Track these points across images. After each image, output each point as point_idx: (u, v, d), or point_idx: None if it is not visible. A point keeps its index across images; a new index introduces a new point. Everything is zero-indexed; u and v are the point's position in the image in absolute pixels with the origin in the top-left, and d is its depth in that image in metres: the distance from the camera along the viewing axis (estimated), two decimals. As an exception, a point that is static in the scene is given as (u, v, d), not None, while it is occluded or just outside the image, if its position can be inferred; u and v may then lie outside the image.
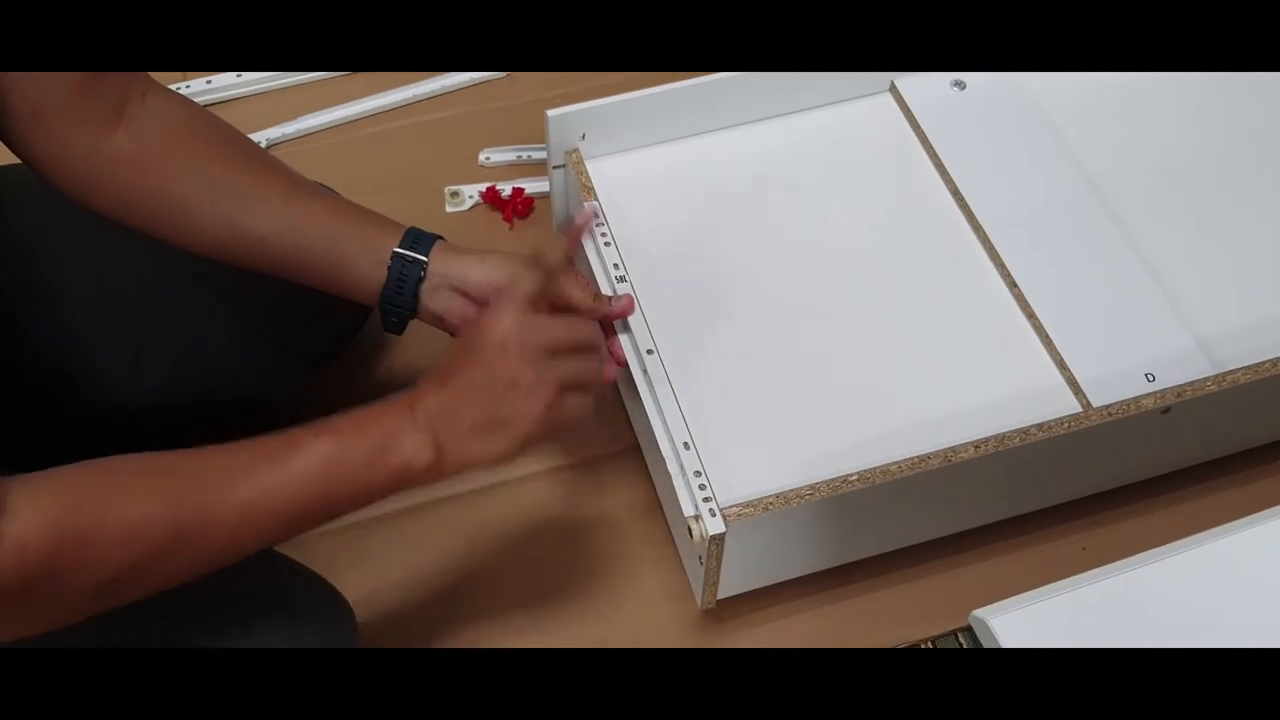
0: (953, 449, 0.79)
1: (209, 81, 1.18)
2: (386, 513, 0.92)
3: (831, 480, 0.77)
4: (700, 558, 0.79)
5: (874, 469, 0.78)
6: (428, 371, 0.69)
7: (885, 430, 0.81)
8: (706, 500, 0.76)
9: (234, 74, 1.19)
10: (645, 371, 0.82)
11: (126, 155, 0.71)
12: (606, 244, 0.88)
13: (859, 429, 0.81)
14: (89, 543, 0.57)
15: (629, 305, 0.83)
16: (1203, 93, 1.00)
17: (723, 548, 0.77)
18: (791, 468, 0.79)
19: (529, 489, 0.95)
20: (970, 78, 0.98)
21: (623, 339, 0.84)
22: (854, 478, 0.77)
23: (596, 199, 0.91)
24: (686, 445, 0.79)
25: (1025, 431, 0.80)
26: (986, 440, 0.79)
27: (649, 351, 0.83)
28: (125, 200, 0.72)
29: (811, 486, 0.77)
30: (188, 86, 1.17)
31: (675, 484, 0.78)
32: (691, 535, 0.76)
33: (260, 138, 1.15)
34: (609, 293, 0.85)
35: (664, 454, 0.79)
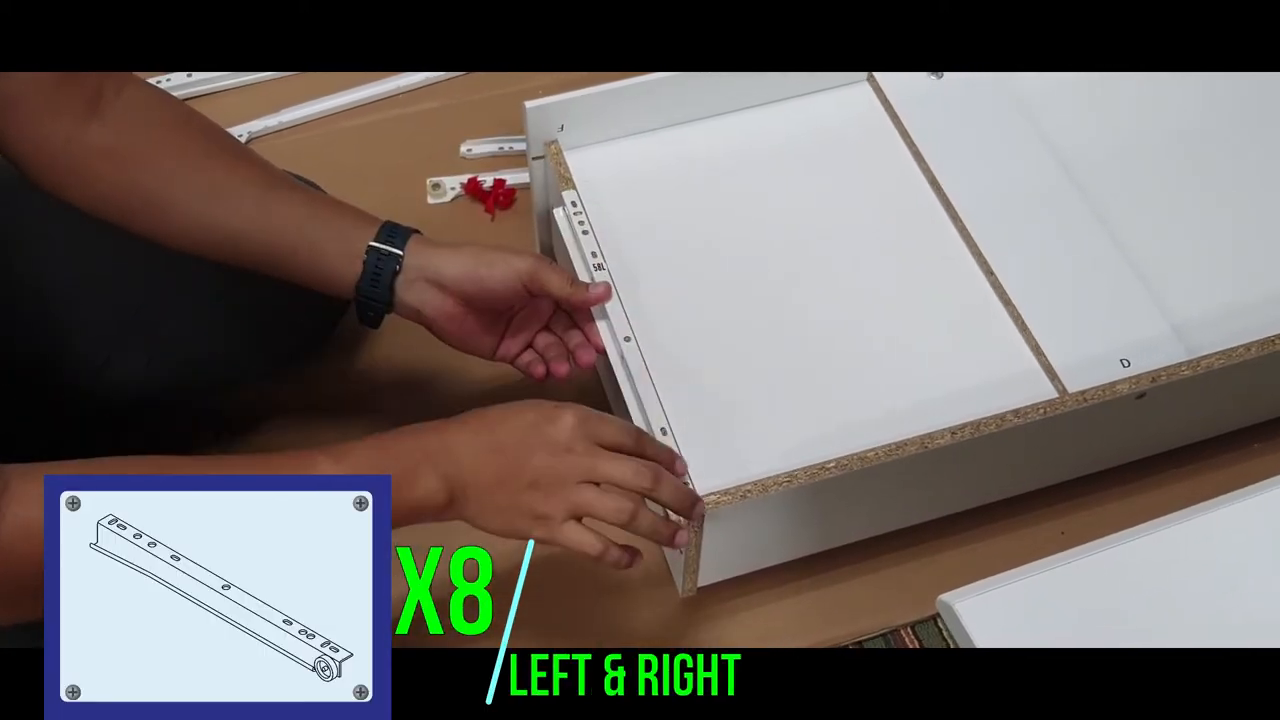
0: (929, 435, 0.79)
1: (189, 75, 1.18)
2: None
3: (809, 467, 0.78)
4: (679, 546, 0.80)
5: (851, 456, 0.78)
6: (466, 414, 0.69)
7: (862, 417, 0.81)
8: (684, 488, 0.76)
9: (215, 67, 1.19)
10: (623, 359, 0.82)
11: (102, 148, 0.71)
12: (585, 232, 0.88)
13: (836, 416, 0.82)
14: None
15: (606, 292, 0.83)
16: (1178, 80, 1.01)
17: (701, 536, 0.78)
18: (769, 455, 0.79)
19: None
20: (948, 66, 0.99)
21: (601, 326, 0.84)
22: (831, 465, 0.78)
23: (575, 189, 0.91)
24: (664, 432, 0.79)
25: (1001, 417, 0.80)
26: (963, 426, 0.79)
27: (626, 339, 0.83)
28: (101, 194, 0.72)
29: (789, 474, 0.77)
30: (168, 80, 1.17)
31: (653, 472, 0.78)
32: (669, 523, 0.76)
33: (241, 131, 1.15)
34: (586, 281, 0.85)
35: (642, 442, 0.80)
